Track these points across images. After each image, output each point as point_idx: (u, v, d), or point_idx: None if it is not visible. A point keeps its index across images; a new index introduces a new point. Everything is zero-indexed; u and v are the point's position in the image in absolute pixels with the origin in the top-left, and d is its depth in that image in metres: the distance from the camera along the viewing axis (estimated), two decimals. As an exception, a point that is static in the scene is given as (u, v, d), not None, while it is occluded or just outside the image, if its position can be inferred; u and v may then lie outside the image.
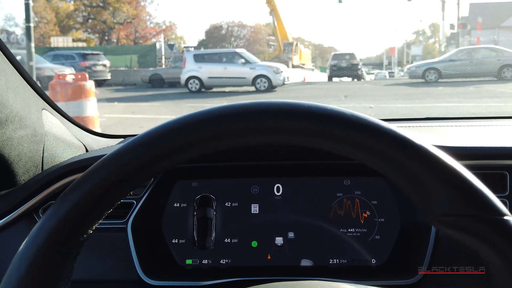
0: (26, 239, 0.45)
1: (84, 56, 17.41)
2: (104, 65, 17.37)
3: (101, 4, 35.26)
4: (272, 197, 1.03)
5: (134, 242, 0.96)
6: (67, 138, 1.12)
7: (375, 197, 1.03)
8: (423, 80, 15.12)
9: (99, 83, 15.10)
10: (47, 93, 1.38)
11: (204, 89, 15.28)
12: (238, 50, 17.51)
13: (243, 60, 15.82)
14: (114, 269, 0.98)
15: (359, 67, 21.18)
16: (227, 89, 15.48)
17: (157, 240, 1.01)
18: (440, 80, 14.95)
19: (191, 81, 15.19)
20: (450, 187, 0.43)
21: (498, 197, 0.64)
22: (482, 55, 15.93)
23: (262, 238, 1.02)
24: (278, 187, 1.04)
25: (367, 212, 1.02)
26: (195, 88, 15.11)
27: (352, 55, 20.99)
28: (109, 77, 17.63)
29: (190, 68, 15.28)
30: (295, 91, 15.82)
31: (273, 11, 28.91)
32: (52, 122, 1.07)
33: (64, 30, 35.59)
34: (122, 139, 1.38)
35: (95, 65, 16.89)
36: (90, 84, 5.63)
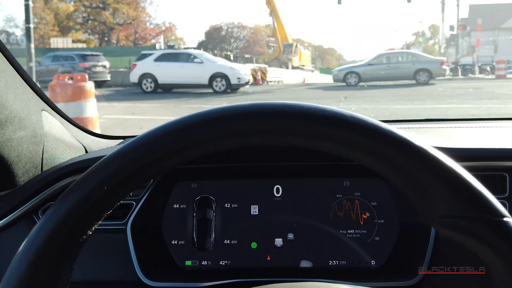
0: (26, 240, 0.45)
1: (84, 57, 17.40)
2: (104, 66, 17.37)
3: (100, 5, 35.28)
4: (272, 199, 1.03)
5: (134, 243, 0.96)
6: (67, 139, 1.12)
7: (374, 199, 1.03)
8: (344, 84, 15.87)
9: (99, 84, 15.08)
10: (47, 94, 1.38)
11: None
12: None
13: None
14: (114, 270, 0.98)
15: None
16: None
17: (156, 241, 1.01)
18: (360, 84, 15.69)
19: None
20: (450, 189, 0.43)
21: (498, 198, 0.64)
22: (399, 60, 16.91)
23: (261, 239, 1.02)
24: (277, 188, 1.04)
25: (367, 213, 1.02)
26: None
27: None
28: (109, 78, 17.62)
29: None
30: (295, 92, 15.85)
31: (273, 12, 28.94)
32: (51, 123, 1.07)
33: (64, 31, 35.61)
34: (122, 140, 1.38)
35: (95, 66, 16.89)
36: (89, 85, 5.63)
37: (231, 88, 14.50)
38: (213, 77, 14.47)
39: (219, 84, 14.43)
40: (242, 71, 15.11)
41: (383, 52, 18.71)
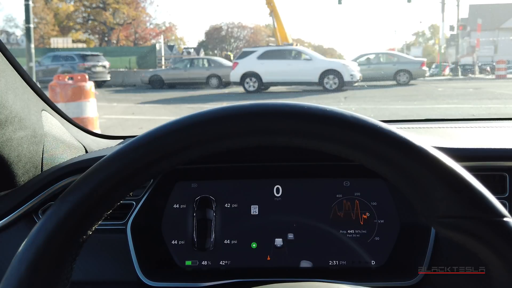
0: (26, 240, 0.45)
1: (83, 57, 17.42)
2: (104, 66, 17.39)
3: (100, 5, 35.29)
4: (272, 199, 1.03)
5: (134, 243, 0.96)
6: (67, 139, 1.12)
7: (374, 199, 1.03)
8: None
9: (99, 84, 15.04)
10: (47, 94, 1.39)
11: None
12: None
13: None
14: (114, 270, 0.98)
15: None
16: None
17: (156, 241, 1.01)
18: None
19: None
20: (450, 189, 0.43)
21: (498, 198, 0.64)
22: (380, 61, 16.99)
23: (261, 239, 1.02)
24: (277, 188, 1.04)
25: (367, 213, 1.02)
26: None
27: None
28: (108, 78, 17.62)
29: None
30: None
31: (273, 12, 28.92)
32: (51, 123, 1.07)
33: (64, 31, 35.62)
34: (122, 140, 1.38)
35: (94, 66, 16.90)
36: (90, 85, 5.63)
37: (343, 86, 13.54)
38: (324, 74, 13.55)
39: (330, 82, 13.52)
40: (354, 67, 14.12)
41: (364, 53, 18.92)
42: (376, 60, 17.05)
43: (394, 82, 15.40)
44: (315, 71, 13.71)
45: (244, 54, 15.25)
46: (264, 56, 14.65)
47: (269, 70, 14.07)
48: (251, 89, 14.19)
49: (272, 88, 14.73)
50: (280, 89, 14.61)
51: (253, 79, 14.24)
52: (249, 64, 14.30)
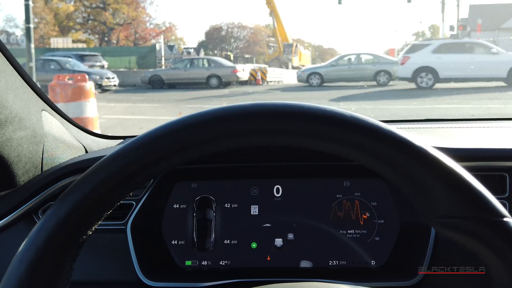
0: (26, 240, 0.45)
1: (81, 57, 17.43)
2: (102, 67, 17.40)
3: (100, 5, 35.29)
4: (272, 199, 1.03)
5: (134, 243, 0.96)
6: (67, 139, 1.12)
7: (374, 199, 1.03)
8: (307, 84, 15.98)
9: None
10: (47, 94, 1.39)
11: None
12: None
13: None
14: (114, 270, 0.98)
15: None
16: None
17: (156, 241, 1.01)
18: (324, 85, 15.73)
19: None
20: (450, 189, 0.43)
21: (498, 198, 0.64)
22: (361, 61, 16.89)
23: (261, 239, 1.02)
24: (277, 189, 1.04)
25: (367, 213, 1.02)
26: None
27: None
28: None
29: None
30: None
31: (273, 12, 28.96)
32: (51, 123, 1.07)
33: (64, 31, 35.62)
34: (122, 140, 1.38)
35: (92, 66, 16.92)
36: (89, 85, 5.63)
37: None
38: None
39: None
40: None
41: (345, 53, 18.75)
42: (356, 61, 16.90)
43: (359, 83, 15.35)
44: (503, 66, 12.28)
45: (415, 48, 13.74)
46: (441, 49, 13.17)
47: (448, 65, 12.52)
48: (425, 85, 12.69)
49: (439, 85, 13.06)
50: (453, 86, 13.01)
51: (428, 75, 12.73)
52: (423, 58, 12.83)
